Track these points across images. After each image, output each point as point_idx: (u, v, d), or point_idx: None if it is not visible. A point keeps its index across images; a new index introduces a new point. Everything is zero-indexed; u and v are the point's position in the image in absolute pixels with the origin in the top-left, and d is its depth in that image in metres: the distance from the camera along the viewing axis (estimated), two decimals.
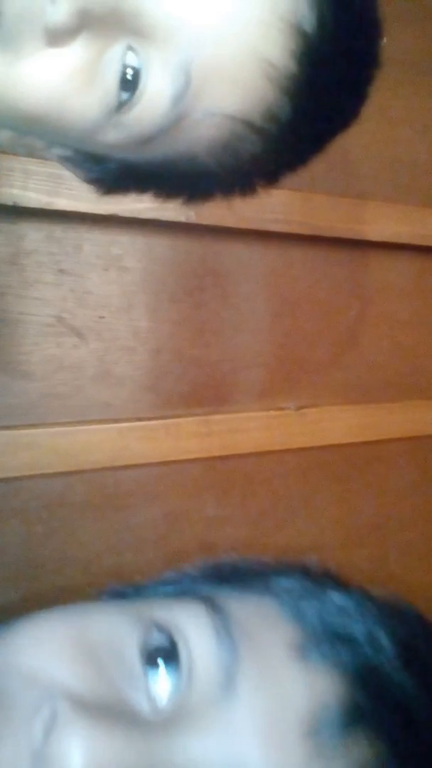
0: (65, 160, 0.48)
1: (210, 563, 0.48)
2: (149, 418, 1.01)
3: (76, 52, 0.38)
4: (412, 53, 1.20)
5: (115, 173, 0.47)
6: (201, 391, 1.05)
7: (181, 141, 0.42)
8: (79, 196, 0.87)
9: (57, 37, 0.36)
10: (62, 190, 0.87)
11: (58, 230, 0.92)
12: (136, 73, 0.38)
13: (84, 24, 0.37)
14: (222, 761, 0.33)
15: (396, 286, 1.24)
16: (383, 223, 1.16)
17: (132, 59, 0.38)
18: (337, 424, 1.17)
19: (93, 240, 0.95)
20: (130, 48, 0.38)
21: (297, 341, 1.15)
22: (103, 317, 0.97)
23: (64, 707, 0.32)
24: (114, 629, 0.38)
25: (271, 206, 1.03)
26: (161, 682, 0.36)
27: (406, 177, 1.21)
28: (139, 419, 1.00)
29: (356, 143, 1.15)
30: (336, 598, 0.40)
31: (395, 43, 1.18)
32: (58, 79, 0.38)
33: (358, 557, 1.22)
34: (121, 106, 0.39)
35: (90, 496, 0.98)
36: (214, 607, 0.38)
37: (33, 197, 0.86)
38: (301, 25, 0.39)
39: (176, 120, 0.40)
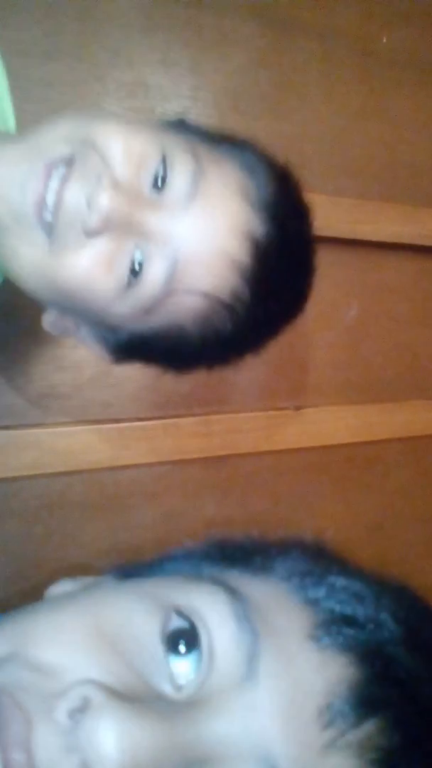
0: (89, 337, 0.65)
1: (214, 542, 0.48)
2: (149, 418, 1.01)
3: (101, 244, 0.55)
4: (413, 53, 1.20)
5: (126, 344, 0.63)
6: (201, 391, 1.05)
7: (172, 312, 0.58)
8: None
9: (91, 232, 0.54)
10: None
11: None
12: (141, 266, 0.56)
13: (107, 227, 0.54)
14: (246, 741, 0.34)
15: (396, 286, 1.24)
16: (383, 223, 1.16)
17: (138, 256, 0.56)
18: (337, 424, 1.17)
19: None
20: (137, 246, 0.56)
21: (297, 341, 1.15)
22: None
23: (96, 694, 0.33)
24: (133, 616, 0.38)
25: None
26: (183, 667, 0.37)
27: (406, 177, 1.21)
28: (139, 419, 1.00)
29: (356, 143, 1.15)
30: (340, 580, 0.41)
31: (395, 43, 1.18)
32: (88, 265, 0.55)
33: (358, 557, 1.22)
34: (129, 286, 0.56)
35: (90, 496, 0.98)
36: (233, 592, 0.39)
37: None
38: (254, 235, 0.57)
39: (167, 294, 0.57)
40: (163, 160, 0.56)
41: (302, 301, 0.65)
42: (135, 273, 0.56)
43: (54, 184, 0.54)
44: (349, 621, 0.39)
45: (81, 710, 0.33)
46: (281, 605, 0.40)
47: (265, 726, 0.35)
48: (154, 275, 0.56)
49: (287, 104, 1.09)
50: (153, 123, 0.62)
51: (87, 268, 0.55)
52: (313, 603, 0.40)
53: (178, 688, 0.36)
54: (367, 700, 0.36)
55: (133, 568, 0.47)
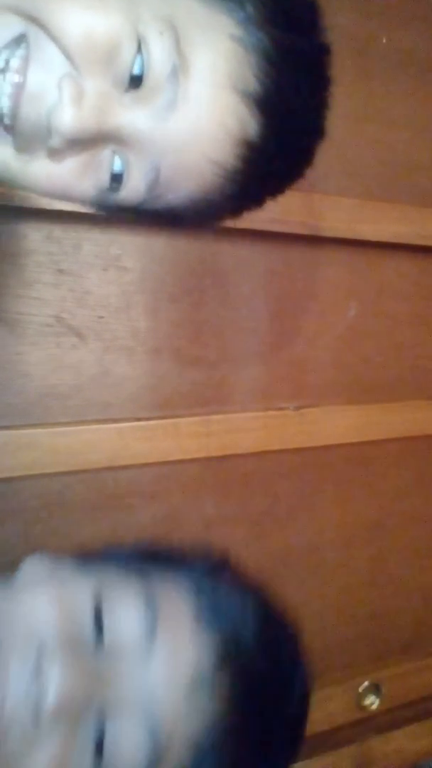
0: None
1: (140, 545, 0.65)
2: (149, 418, 1.01)
3: (73, 158, 0.50)
4: (412, 53, 1.20)
5: (116, 209, 0.59)
6: (200, 391, 1.05)
7: (162, 204, 0.54)
8: None
9: (55, 155, 0.49)
10: None
11: (57, 230, 0.92)
12: (120, 174, 0.51)
13: (74, 146, 0.49)
14: (139, 695, 0.50)
15: (396, 286, 1.24)
16: (383, 223, 1.16)
17: (117, 164, 0.51)
18: (337, 424, 1.17)
19: (92, 240, 0.95)
20: (114, 152, 0.51)
21: (297, 341, 1.15)
22: (102, 317, 0.97)
23: (45, 656, 0.48)
24: (73, 598, 0.52)
25: (271, 206, 1.03)
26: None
27: (406, 177, 1.21)
28: (139, 419, 1.00)
29: (356, 143, 1.15)
30: (224, 588, 0.58)
31: (395, 43, 1.18)
32: (61, 173, 0.50)
33: (358, 557, 1.22)
34: (111, 191, 0.52)
35: (89, 496, 0.98)
36: (144, 579, 0.55)
37: (33, 197, 0.86)
38: (247, 136, 0.51)
39: (153, 198, 0.53)
40: (138, 48, 0.47)
41: (283, 188, 0.62)
42: (116, 180, 0.51)
43: (6, 87, 0.47)
44: (221, 612, 0.55)
45: (37, 667, 0.48)
46: (180, 595, 0.55)
47: (155, 682, 0.50)
48: (136, 184, 0.52)
49: None
50: None
51: (59, 178, 0.51)
52: (201, 599, 0.55)
53: (100, 639, 0.51)
54: (220, 679, 0.51)
55: (78, 558, 0.61)
